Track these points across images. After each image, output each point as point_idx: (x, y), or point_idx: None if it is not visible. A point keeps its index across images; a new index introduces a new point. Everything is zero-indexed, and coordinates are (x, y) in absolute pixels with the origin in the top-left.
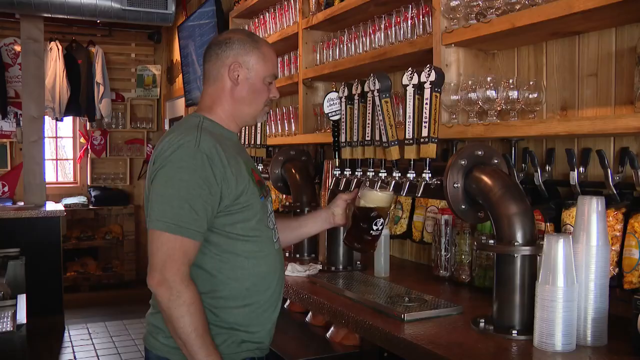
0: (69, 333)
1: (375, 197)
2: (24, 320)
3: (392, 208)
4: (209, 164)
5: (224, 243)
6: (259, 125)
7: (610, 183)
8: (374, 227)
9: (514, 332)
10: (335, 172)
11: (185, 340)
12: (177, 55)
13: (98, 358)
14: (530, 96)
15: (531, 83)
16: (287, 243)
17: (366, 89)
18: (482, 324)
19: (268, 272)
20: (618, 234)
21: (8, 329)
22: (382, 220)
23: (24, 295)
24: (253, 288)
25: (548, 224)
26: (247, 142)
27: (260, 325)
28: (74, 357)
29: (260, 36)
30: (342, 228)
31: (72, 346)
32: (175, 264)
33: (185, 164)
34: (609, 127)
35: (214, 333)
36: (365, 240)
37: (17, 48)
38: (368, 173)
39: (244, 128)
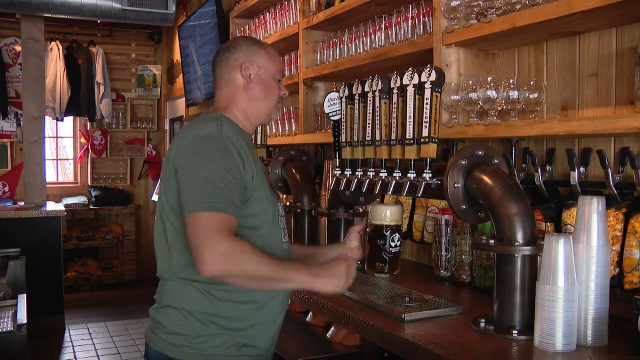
0: (69, 333)
1: (385, 212)
2: (25, 320)
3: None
4: (235, 149)
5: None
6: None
7: (611, 183)
8: (392, 244)
9: (515, 332)
10: (335, 172)
11: (273, 278)
12: (177, 55)
13: (98, 358)
14: (531, 96)
15: (531, 83)
16: None
17: (367, 89)
18: (482, 324)
19: None
20: (618, 234)
21: (8, 328)
22: (398, 235)
23: (24, 295)
24: None
25: (548, 224)
26: None
27: (263, 327)
28: (75, 357)
29: (261, 36)
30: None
31: (73, 346)
32: (220, 238)
33: (214, 148)
34: (609, 127)
35: (215, 332)
36: (386, 260)
37: (18, 48)
38: (369, 173)
39: None
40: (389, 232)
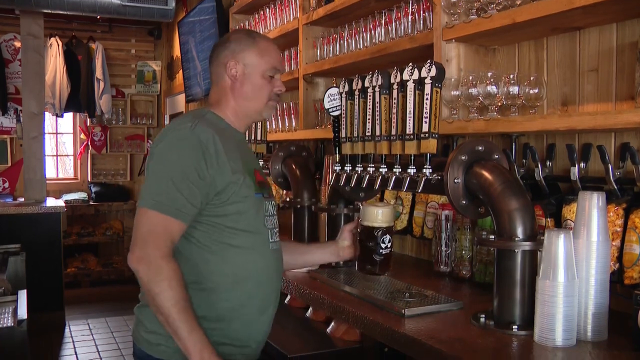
0: (69, 329)
1: (376, 213)
2: (25, 316)
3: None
4: (201, 149)
5: (213, 234)
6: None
7: (611, 178)
8: (382, 245)
9: (515, 327)
10: (335, 168)
11: (167, 316)
12: (177, 51)
13: (99, 353)
14: (531, 92)
15: (532, 78)
16: (292, 267)
17: (367, 84)
18: (482, 319)
19: (257, 271)
20: (619, 229)
21: (9, 324)
22: (389, 237)
23: (25, 291)
24: (239, 284)
25: (548, 219)
26: (247, 138)
27: (244, 327)
28: (75, 352)
29: (260, 32)
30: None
31: (73, 342)
32: (156, 241)
33: (177, 145)
34: (609, 123)
35: None
36: (376, 261)
37: (17, 44)
38: (369, 168)
39: None
40: (379, 234)
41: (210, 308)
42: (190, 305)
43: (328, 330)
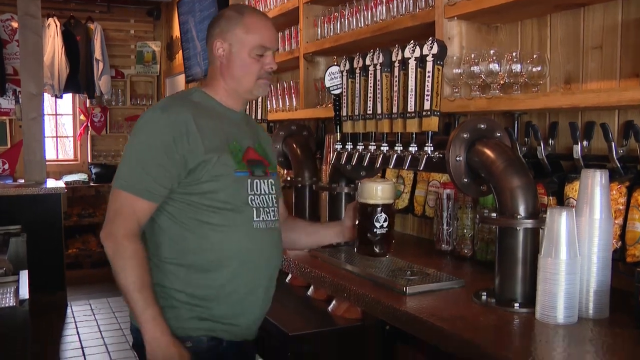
0: (71, 309)
1: (373, 190)
2: (27, 296)
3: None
4: (171, 128)
5: (189, 212)
6: (259, 100)
7: (614, 156)
8: (377, 224)
9: (516, 305)
10: (336, 146)
11: (125, 293)
12: (176, 32)
13: (101, 333)
14: (534, 70)
15: (535, 56)
16: (302, 247)
17: (368, 62)
18: (484, 297)
19: (241, 250)
20: (621, 207)
21: (11, 304)
22: (384, 215)
23: (26, 271)
24: (219, 263)
25: (550, 197)
26: None
27: (230, 307)
28: (77, 332)
29: (260, 10)
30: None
31: (75, 322)
32: (122, 220)
33: (147, 126)
34: (613, 100)
35: (172, 305)
36: (371, 242)
37: (15, 24)
38: (370, 147)
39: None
40: (374, 211)
41: (193, 286)
42: (148, 286)
43: (329, 308)
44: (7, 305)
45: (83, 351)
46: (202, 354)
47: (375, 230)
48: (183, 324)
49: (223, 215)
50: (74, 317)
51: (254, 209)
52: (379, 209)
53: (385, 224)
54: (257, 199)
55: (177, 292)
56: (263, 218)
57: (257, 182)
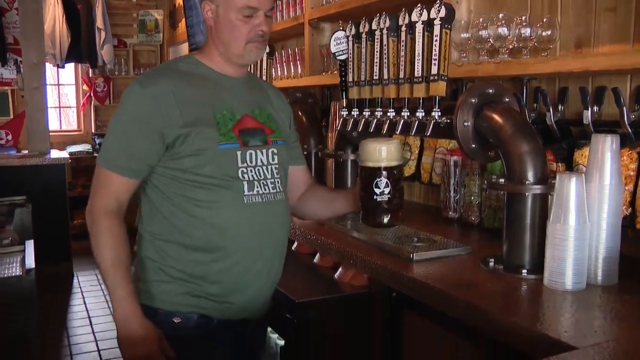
0: (78, 279)
1: (372, 151)
2: (33, 265)
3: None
4: (148, 102)
5: (176, 187)
6: (264, 67)
7: (626, 122)
8: (376, 190)
9: (524, 271)
10: (342, 113)
11: (99, 267)
12: None
13: (107, 303)
14: (544, 34)
15: (545, 20)
16: (323, 217)
17: (374, 27)
18: (491, 264)
19: (232, 226)
20: (632, 173)
21: (17, 273)
22: (384, 180)
23: (32, 240)
24: (208, 240)
25: (559, 164)
26: None
27: (223, 285)
28: (84, 301)
29: None
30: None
31: (82, 292)
32: (99, 196)
33: (126, 100)
34: (627, 63)
35: (164, 279)
36: (373, 210)
37: None
38: (376, 113)
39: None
40: (377, 175)
41: (183, 263)
42: (123, 264)
43: (336, 275)
44: (13, 274)
45: (90, 320)
46: (190, 331)
47: (375, 197)
48: (172, 299)
49: (209, 190)
50: (80, 287)
51: (245, 183)
52: (379, 172)
53: (387, 190)
54: (251, 171)
55: (169, 268)
56: (258, 191)
57: (250, 153)
